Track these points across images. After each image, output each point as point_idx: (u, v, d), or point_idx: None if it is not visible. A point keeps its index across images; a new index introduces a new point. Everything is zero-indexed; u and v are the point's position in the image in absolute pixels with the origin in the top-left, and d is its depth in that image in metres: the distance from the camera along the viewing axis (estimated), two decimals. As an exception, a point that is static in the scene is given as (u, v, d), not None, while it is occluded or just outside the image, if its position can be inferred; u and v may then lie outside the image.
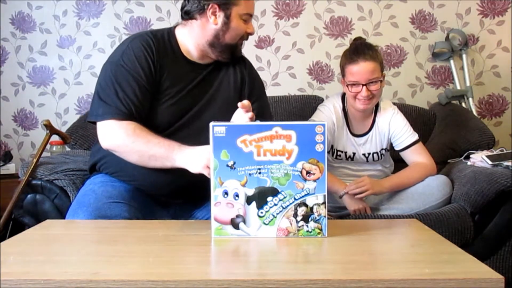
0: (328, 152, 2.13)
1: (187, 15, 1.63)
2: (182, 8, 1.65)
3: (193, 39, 1.64)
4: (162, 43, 1.62)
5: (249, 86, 1.73)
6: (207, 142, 1.37)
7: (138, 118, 1.52)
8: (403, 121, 2.12)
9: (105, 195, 1.51)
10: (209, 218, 1.60)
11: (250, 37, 2.97)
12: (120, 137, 1.50)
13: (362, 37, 2.17)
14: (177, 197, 1.63)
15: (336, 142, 2.13)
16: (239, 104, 1.41)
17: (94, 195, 1.52)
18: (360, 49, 2.02)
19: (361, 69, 1.98)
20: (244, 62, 1.76)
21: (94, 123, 1.56)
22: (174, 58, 1.62)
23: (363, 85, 1.99)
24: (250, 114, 1.42)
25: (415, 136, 2.11)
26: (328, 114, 2.12)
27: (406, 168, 2.11)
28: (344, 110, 2.13)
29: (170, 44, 1.64)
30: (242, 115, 1.44)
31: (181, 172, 1.44)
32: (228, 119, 1.51)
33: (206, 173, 1.36)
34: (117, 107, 1.51)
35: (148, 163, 1.51)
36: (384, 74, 2.06)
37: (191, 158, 1.42)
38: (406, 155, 2.12)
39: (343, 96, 2.16)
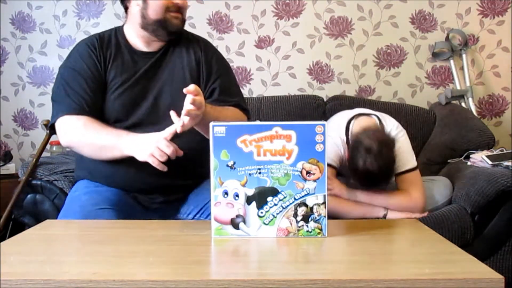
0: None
1: (123, 7, 1.70)
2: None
3: (132, 28, 1.68)
4: (107, 39, 1.67)
5: (206, 65, 1.69)
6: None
7: (90, 111, 1.56)
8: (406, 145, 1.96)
9: (91, 202, 1.51)
10: (194, 211, 1.62)
11: (250, 37, 2.97)
12: (72, 132, 1.55)
13: None
14: (153, 192, 1.61)
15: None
16: (184, 90, 1.38)
17: (79, 203, 1.52)
18: None
19: None
20: (198, 42, 1.73)
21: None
22: (118, 50, 1.66)
23: None
24: (191, 99, 1.36)
25: (412, 163, 1.94)
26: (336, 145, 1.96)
27: (394, 193, 1.94)
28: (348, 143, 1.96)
29: (116, 38, 1.68)
30: (187, 100, 1.39)
31: (148, 167, 1.42)
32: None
33: (150, 161, 1.39)
34: (68, 104, 1.56)
35: (100, 154, 1.54)
36: None
37: (137, 146, 1.43)
38: (398, 181, 1.95)
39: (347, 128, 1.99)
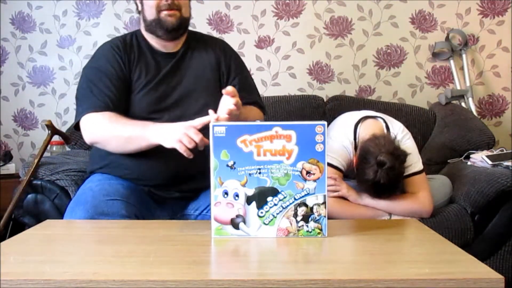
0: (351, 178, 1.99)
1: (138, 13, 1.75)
2: None
3: (144, 33, 1.72)
4: (129, 41, 1.70)
5: (226, 63, 1.75)
6: None
7: (115, 109, 1.57)
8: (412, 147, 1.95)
9: (103, 192, 1.52)
10: (200, 208, 1.64)
11: (250, 37, 2.97)
12: (98, 127, 1.56)
13: None
14: (170, 187, 1.64)
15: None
16: (223, 91, 1.45)
17: (91, 193, 1.53)
18: None
19: None
20: (216, 43, 1.80)
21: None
22: (141, 52, 1.69)
23: None
24: (234, 100, 1.45)
25: (419, 166, 1.92)
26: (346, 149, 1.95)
27: (400, 197, 1.90)
28: (356, 146, 1.96)
29: (137, 41, 1.71)
30: (227, 100, 1.46)
31: (172, 159, 1.45)
32: (212, 101, 1.53)
33: (178, 147, 1.40)
34: (93, 102, 1.58)
35: (126, 147, 1.55)
36: None
37: (164, 133, 1.45)
38: (405, 183, 1.92)
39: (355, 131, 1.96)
